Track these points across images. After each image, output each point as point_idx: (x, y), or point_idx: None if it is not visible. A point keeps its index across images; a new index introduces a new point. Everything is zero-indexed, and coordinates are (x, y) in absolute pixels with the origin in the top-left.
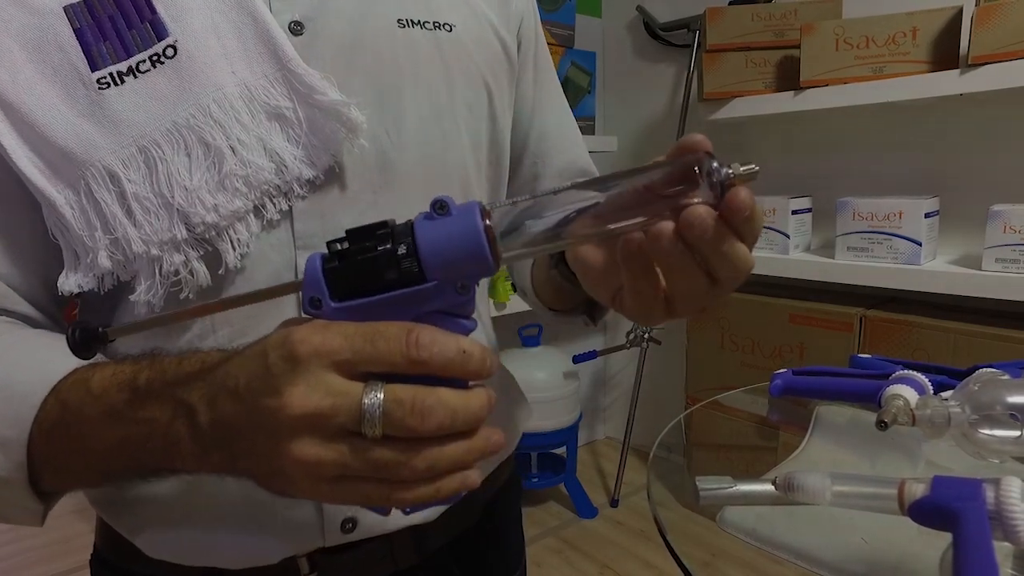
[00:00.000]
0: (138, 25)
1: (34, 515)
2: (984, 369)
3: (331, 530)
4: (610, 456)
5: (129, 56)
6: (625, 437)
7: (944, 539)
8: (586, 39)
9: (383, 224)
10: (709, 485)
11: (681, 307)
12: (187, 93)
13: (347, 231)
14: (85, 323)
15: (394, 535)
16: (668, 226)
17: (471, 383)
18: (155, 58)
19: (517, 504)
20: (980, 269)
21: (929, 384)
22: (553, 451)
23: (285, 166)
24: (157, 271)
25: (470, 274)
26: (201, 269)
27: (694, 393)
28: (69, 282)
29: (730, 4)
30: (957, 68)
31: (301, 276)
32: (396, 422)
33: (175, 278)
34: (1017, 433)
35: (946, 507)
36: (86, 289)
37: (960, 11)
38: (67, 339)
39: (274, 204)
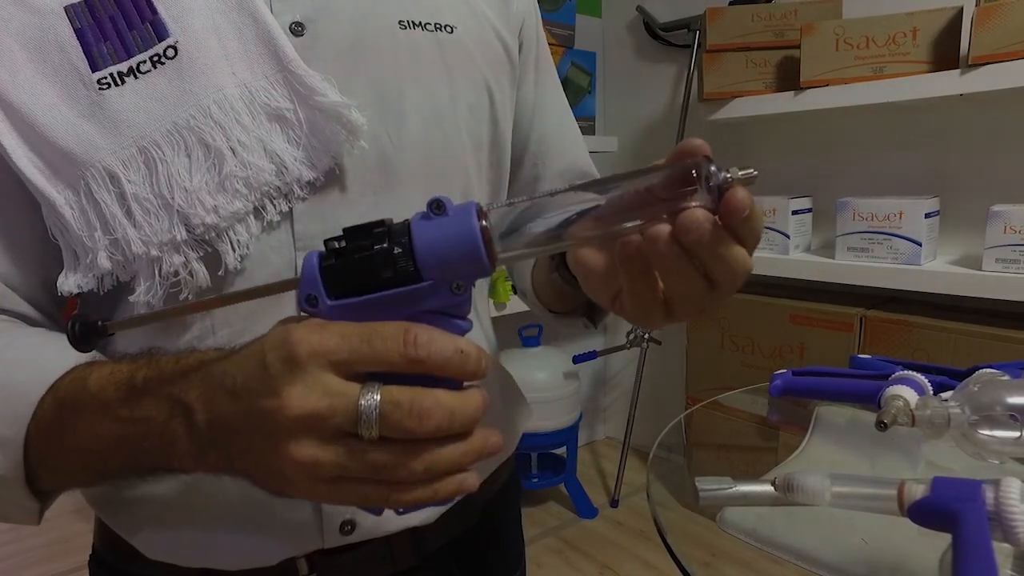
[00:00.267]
0: (139, 25)
1: (31, 514)
2: (984, 370)
3: (330, 531)
4: (610, 456)
5: (130, 56)
6: (625, 437)
7: (944, 540)
8: (586, 39)
9: (380, 223)
10: (709, 485)
11: (679, 310)
12: (187, 94)
13: (344, 229)
14: (85, 316)
15: (393, 537)
16: (664, 229)
17: (465, 384)
18: (156, 59)
19: (517, 505)
20: (980, 269)
21: (929, 385)
22: (553, 451)
23: (285, 167)
24: (157, 272)
25: (466, 274)
26: (201, 270)
27: (694, 393)
28: (68, 282)
29: (730, 4)
30: (957, 68)
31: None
32: (393, 424)
33: (175, 279)
34: (1017, 434)
35: (946, 508)
36: (85, 290)
37: (960, 11)
38: (67, 332)
39: (274, 205)
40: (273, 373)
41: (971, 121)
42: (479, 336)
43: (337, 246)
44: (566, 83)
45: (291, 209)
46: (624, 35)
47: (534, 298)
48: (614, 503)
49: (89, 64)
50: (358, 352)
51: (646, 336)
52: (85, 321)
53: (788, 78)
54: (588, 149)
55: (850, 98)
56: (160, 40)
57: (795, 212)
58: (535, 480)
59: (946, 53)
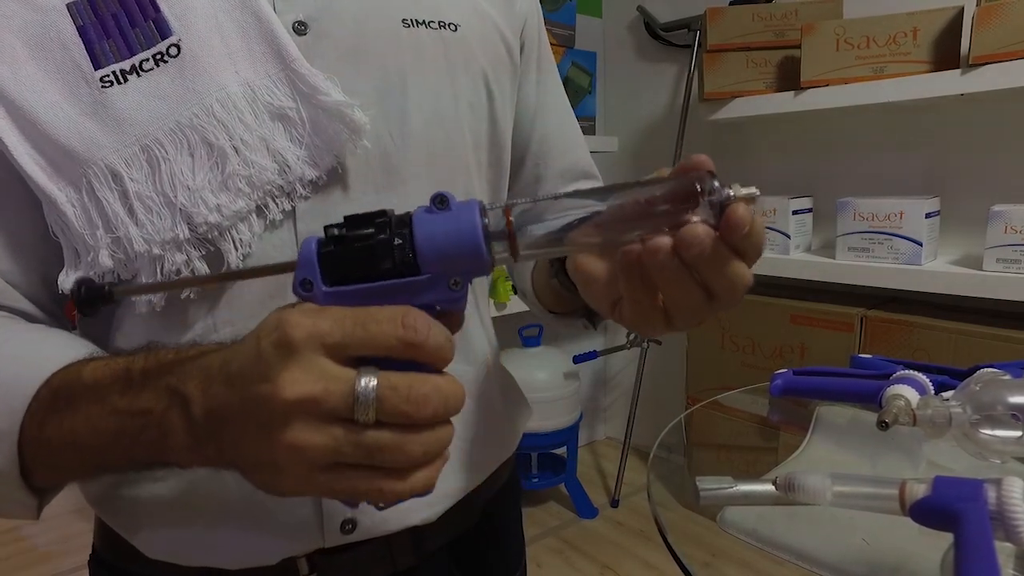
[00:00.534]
0: (141, 23)
1: (28, 509)
2: (985, 369)
3: (331, 530)
4: (610, 456)
5: (132, 54)
6: (625, 437)
7: (945, 540)
8: (587, 39)
9: (382, 213)
10: (709, 485)
11: (678, 320)
12: (190, 92)
13: (345, 217)
14: (90, 280)
15: (393, 536)
16: (666, 241)
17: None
18: (158, 57)
19: (517, 504)
20: (981, 269)
21: (930, 384)
22: (553, 451)
23: (288, 166)
24: (159, 270)
25: (464, 271)
26: (203, 269)
27: (694, 393)
28: (69, 280)
29: (731, 4)
30: (958, 68)
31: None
32: (390, 408)
33: (176, 277)
34: (1018, 433)
35: (947, 507)
36: None
37: (961, 11)
38: (72, 295)
39: (277, 204)
40: (266, 357)
41: (972, 121)
42: (479, 335)
43: (337, 233)
44: (566, 83)
45: (294, 208)
46: (624, 35)
47: (534, 298)
48: (614, 503)
49: (92, 62)
50: (353, 336)
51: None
52: (91, 285)
53: (788, 78)
54: (588, 149)
55: (850, 98)
56: (163, 38)
57: (795, 212)
58: (535, 480)
59: (947, 53)
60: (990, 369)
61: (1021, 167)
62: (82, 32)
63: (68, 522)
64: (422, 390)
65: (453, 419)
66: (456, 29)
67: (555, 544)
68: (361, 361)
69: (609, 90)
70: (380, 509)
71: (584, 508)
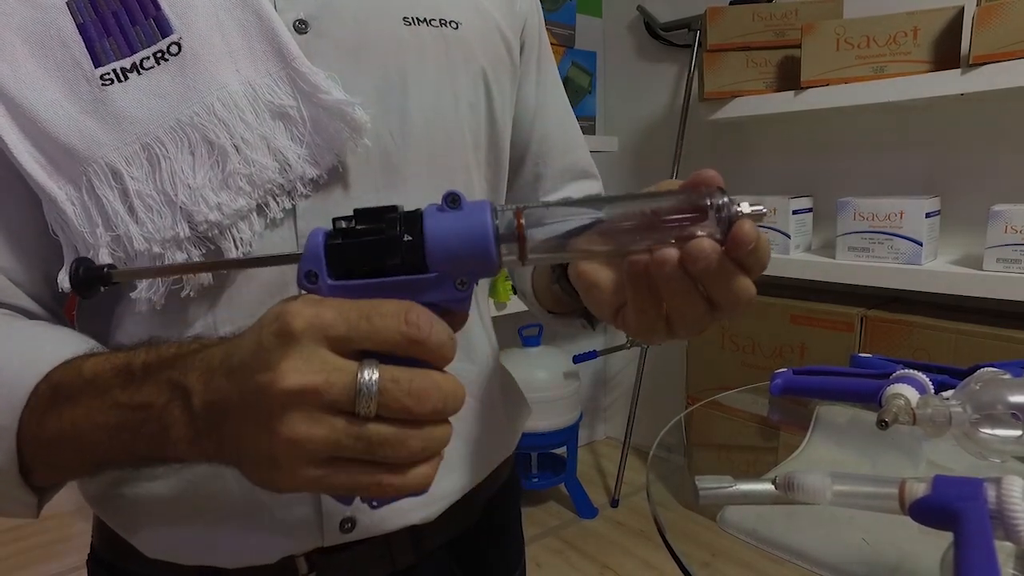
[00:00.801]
0: (142, 21)
1: (28, 507)
2: (985, 368)
3: (330, 529)
4: (610, 456)
5: (133, 53)
6: (625, 437)
7: (945, 539)
8: (587, 39)
9: (392, 208)
10: (709, 485)
11: (681, 329)
12: (191, 91)
13: (355, 210)
14: (89, 260)
15: (392, 535)
16: (672, 254)
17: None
18: (159, 55)
19: (517, 504)
20: (981, 269)
21: (930, 383)
22: (553, 451)
23: (289, 165)
24: None
25: (472, 271)
26: None
27: (694, 393)
28: (68, 278)
29: (731, 4)
30: (958, 68)
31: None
32: (392, 401)
33: (176, 276)
34: (1018, 432)
35: (947, 507)
36: None
37: (961, 11)
38: (69, 276)
39: (277, 203)
40: (267, 347)
41: (972, 121)
42: (480, 335)
43: (345, 226)
44: (566, 83)
45: (294, 207)
46: (624, 35)
47: (533, 299)
48: (614, 503)
49: (92, 60)
50: (357, 328)
51: None
52: (89, 266)
53: (789, 78)
54: (588, 149)
55: (851, 98)
56: (164, 36)
57: (795, 212)
58: (535, 480)
59: (947, 53)
60: (990, 368)
61: (1021, 167)
62: (82, 30)
63: (68, 522)
64: (423, 385)
65: (453, 418)
66: (457, 27)
67: (555, 544)
68: (361, 354)
69: (609, 90)
70: (374, 508)
71: (584, 508)
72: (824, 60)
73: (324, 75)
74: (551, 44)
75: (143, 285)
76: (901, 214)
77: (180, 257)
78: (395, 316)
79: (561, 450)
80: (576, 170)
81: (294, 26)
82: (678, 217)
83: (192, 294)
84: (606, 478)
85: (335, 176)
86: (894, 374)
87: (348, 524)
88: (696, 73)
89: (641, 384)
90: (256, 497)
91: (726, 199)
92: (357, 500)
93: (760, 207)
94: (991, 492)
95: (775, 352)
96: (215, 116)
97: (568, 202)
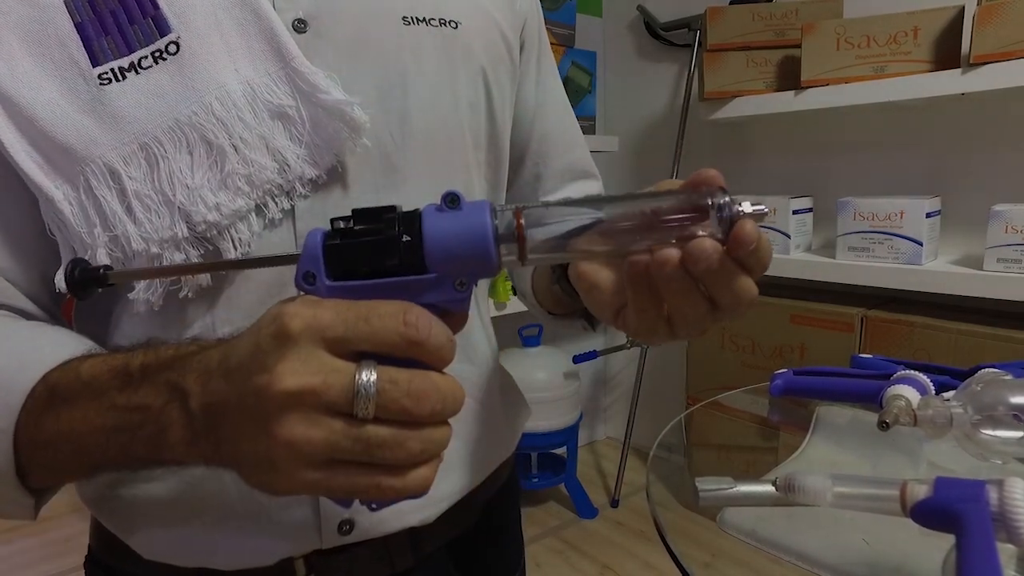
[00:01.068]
0: (140, 20)
1: (25, 508)
2: (986, 369)
3: (328, 531)
4: (610, 456)
5: (131, 52)
6: (625, 437)
7: (946, 541)
8: (587, 39)
9: (391, 208)
10: (709, 486)
11: (682, 329)
12: (189, 90)
13: (353, 210)
14: (85, 262)
15: (391, 537)
16: (674, 254)
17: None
18: (157, 54)
19: (516, 505)
20: (981, 269)
21: (931, 384)
22: (553, 451)
23: (288, 165)
24: None
25: (471, 272)
26: None
27: (694, 393)
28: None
29: (731, 4)
30: (959, 67)
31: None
32: (391, 403)
33: (174, 276)
34: (1020, 434)
35: (949, 508)
36: None
37: (962, 10)
38: (65, 277)
39: (276, 203)
40: (265, 348)
41: (972, 121)
42: (479, 336)
43: (344, 226)
44: (566, 83)
45: (293, 207)
46: (625, 34)
47: (533, 300)
48: (614, 503)
49: (90, 59)
50: (355, 329)
51: None
52: (85, 267)
53: (789, 77)
54: (588, 148)
55: (851, 98)
56: (162, 35)
57: (796, 212)
58: (535, 480)
59: (947, 52)
60: (991, 369)
61: (1022, 167)
62: (80, 29)
63: (67, 522)
64: (422, 386)
65: (452, 419)
66: (457, 27)
67: (555, 544)
68: (360, 356)
69: (609, 90)
70: (373, 510)
71: (584, 508)
72: (824, 60)
73: (323, 75)
74: (551, 44)
75: (141, 286)
76: (901, 214)
77: (178, 257)
78: (393, 317)
79: (561, 450)
80: (576, 170)
81: (293, 25)
82: (679, 217)
83: (190, 295)
84: (606, 478)
85: (334, 176)
86: (895, 375)
87: (346, 526)
88: (696, 73)
89: (641, 384)
90: (254, 499)
91: (727, 199)
92: (356, 502)
93: (761, 207)
94: (993, 494)
95: (775, 352)
96: (213, 116)
97: (568, 202)
